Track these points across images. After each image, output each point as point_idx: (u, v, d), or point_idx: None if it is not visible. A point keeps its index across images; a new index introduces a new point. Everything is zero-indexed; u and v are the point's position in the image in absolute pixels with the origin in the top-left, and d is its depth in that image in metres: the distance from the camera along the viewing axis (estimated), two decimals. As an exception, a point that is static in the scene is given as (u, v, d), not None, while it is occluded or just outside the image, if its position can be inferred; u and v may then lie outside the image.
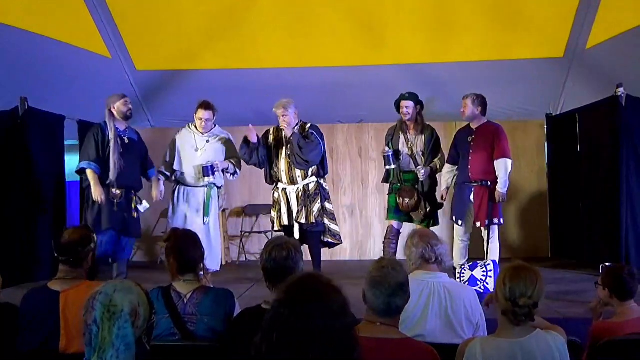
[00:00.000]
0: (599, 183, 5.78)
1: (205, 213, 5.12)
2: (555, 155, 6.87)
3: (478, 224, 5.01)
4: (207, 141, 5.21)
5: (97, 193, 4.80)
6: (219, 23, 6.45)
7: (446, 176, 5.32)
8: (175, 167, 5.22)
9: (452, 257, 4.99)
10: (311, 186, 5.19)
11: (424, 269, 2.74)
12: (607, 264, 3.21)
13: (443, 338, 2.56)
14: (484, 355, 2.01)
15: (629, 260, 5.18)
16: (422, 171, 5.17)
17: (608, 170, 5.58)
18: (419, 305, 2.61)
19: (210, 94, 6.65)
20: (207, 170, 5.07)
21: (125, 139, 5.00)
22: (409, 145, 5.26)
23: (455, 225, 5.18)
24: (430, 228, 5.08)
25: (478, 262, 4.64)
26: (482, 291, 4.17)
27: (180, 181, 5.24)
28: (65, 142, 6.25)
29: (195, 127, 5.22)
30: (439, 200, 5.36)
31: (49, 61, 6.13)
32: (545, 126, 7.01)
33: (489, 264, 4.50)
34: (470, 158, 5.06)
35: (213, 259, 5.13)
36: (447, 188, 5.33)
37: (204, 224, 5.10)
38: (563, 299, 4.41)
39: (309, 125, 5.33)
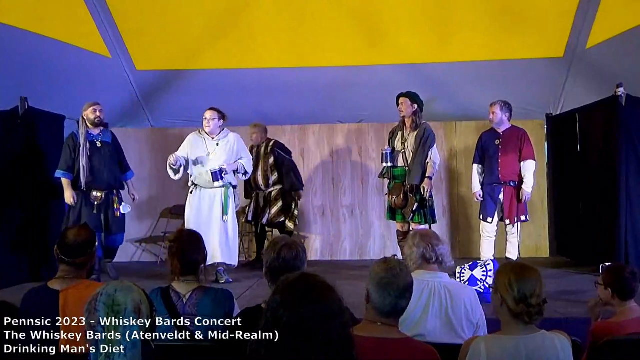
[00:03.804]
0: (598, 183, 5.78)
1: (225, 212, 5.33)
2: (555, 155, 6.87)
3: (508, 222, 5.42)
4: (217, 144, 5.38)
5: (67, 196, 5.27)
6: (219, 23, 6.45)
7: (479, 177, 5.63)
8: (190, 171, 5.41)
9: (481, 253, 5.51)
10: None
11: (424, 268, 2.75)
12: (607, 263, 3.22)
13: (443, 338, 2.56)
14: (488, 353, 2.01)
15: (629, 260, 5.18)
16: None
17: (608, 170, 5.57)
18: (419, 305, 2.61)
19: (210, 94, 6.70)
20: (216, 175, 5.24)
21: (98, 142, 5.36)
22: (402, 142, 5.42)
23: (484, 223, 5.52)
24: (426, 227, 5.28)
25: (478, 262, 4.66)
26: (482, 291, 4.17)
27: (196, 183, 5.40)
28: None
29: (206, 132, 5.41)
30: (475, 200, 5.70)
31: (49, 61, 6.12)
32: (545, 126, 7.01)
33: (488, 264, 4.50)
34: (500, 161, 5.46)
35: (231, 256, 5.42)
36: (481, 187, 5.60)
37: (224, 222, 5.33)
38: (563, 299, 4.41)
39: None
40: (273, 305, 1.55)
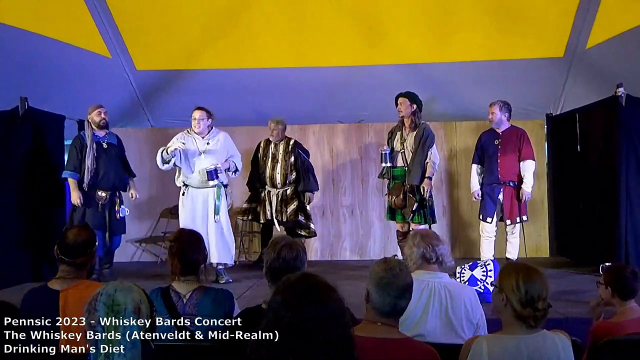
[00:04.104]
0: (598, 183, 5.78)
1: (216, 211, 5.34)
2: (555, 155, 6.87)
3: (509, 222, 5.45)
4: (208, 143, 5.41)
5: (74, 197, 5.35)
6: (219, 23, 6.45)
7: (478, 177, 5.64)
8: (184, 171, 5.40)
9: (481, 253, 5.51)
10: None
11: (424, 268, 2.74)
12: (607, 263, 3.21)
13: (443, 338, 2.55)
14: (490, 352, 2.00)
15: (629, 260, 5.18)
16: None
17: (608, 170, 5.57)
18: (419, 305, 2.61)
19: (210, 94, 6.69)
20: (212, 174, 5.26)
21: (104, 144, 5.48)
22: (401, 142, 5.42)
23: (484, 223, 5.52)
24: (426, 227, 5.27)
25: (478, 262, 4.66)
26: (482, 291, 4.17)
27: (187, 183, 5.41)
28: (65, 142, 6.26)
29: (195, 132, 5.41)
30: (473, 199, 5.71)
31: (49, 61, 6.13)
32: (545, 126, 7.01)
33: (488, 264, 4.50)
34: (499, 161, 5.46)
35: (227, 255, 5.41)
36: (481, 187, 5.61)
37: (215, 221, 5.34)
38: (563, 299, 4.40)
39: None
40: (274, 306, 1.55)
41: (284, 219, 6.06)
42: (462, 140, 7.09)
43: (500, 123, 5.53)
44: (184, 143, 5.20)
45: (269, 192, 6.11)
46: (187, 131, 5.47)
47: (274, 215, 6.05)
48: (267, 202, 6.09)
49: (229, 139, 5.58)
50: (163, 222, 7.05)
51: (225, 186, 5.51)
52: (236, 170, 5.58)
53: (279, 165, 6.06)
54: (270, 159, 6.09)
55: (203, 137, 5.41)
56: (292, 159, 6.09)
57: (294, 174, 6.11)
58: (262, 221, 6.12)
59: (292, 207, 6.07)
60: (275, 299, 1.56)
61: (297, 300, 1.52)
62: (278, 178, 6.05)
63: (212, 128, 5.48)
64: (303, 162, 6.15)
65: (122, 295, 1.68)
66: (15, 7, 5.56)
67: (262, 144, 6.20)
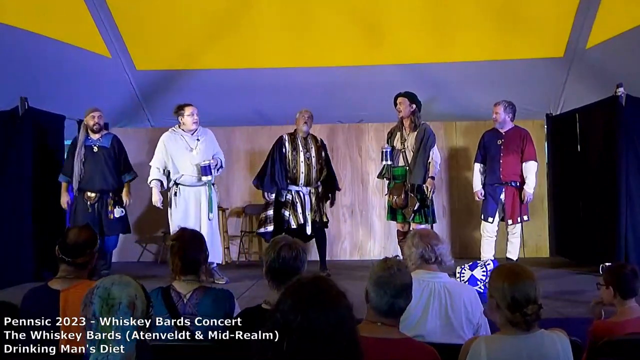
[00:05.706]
0: (598, 183, 5.78)
1: (210, 209, 5.34)
2: (555, 155, 6.88)
3: (510, 222, 5.42)
4: (198, 139, 5.37)
5: (62, 200, 5.61)
6: (219, 23, 6.45)
7: (480, 176, 5.62)
8: (173, 171, 5.36)
9: (481, 253, 5.48)
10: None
11: (424, 268, 2.74)
12: (607, 263, 3.21)
13: (443, 338, 2.55)
14: (489, 353, 2.00)
15: (629, 260, 5.17)
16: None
17: (608, 170, 5.58)
18: (419, 305, 2.61)
19: (210, 94, 6.70)
20: (206, 169, 5.26)
21: (95, 147, 5.55)
22: (402, 141, 5.42)
23: (485, 223, 5.51)
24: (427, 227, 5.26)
25: (478, 262, 4.67)
26: (482, 291, 4.17)
27: (179, 182, 5.37)
28: (65, 142, 6.27)
29: (182, 129, 5.38)
30: (476, 199, 5.68)
31: (49, 61, 6.13)
32: (545, 126, 7.01)
33: (488, 264, 4.51)
34: (501, 161, 5.44)
35: (217, 253, 5.40)
36: (483, 187, 5.60)
37: (210, 219, 5.34)
38: (563, 298, 4.41)
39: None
40: (284, 308, 1.53)
41: (324, 219, 5.73)
42: (462, 140, 7.09)
43: (504, 123, 5.50)
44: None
45: (298, 192, 5.57)
46: (173, 130, 5.42)
47: (310, 216, 5.54)
48: (298, 204, 5.54)
49: (213, 135, 5.57)
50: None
51: (213, 184, 5.47)
52: (221, 166, 5.54)
53: (314, 160, 5.61)
54: (302, 154, 5.58)
55: (192, 134, 5.36)
56: (324, 154, 5.74)
57: (324, 171, 5.72)
58: (293, 226, 5.44)
59: (322, 206, 5.74)
60: (285, 300, 1.54)
61: (307, 303, 1.51)
62: (313, 174, 5.59)
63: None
64: (329, 159, 5.88)
65: (118, 290, 1.68)
66: (15, 7, 5.55)
67: (287, 138, 5.63)
